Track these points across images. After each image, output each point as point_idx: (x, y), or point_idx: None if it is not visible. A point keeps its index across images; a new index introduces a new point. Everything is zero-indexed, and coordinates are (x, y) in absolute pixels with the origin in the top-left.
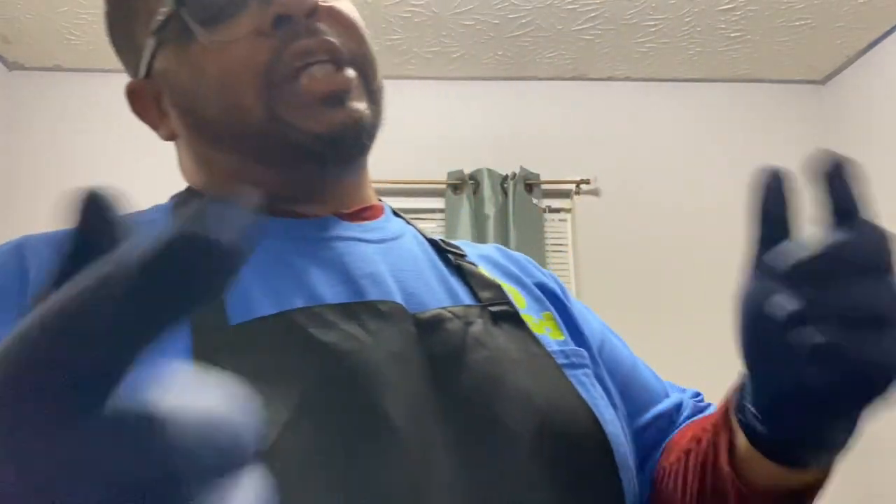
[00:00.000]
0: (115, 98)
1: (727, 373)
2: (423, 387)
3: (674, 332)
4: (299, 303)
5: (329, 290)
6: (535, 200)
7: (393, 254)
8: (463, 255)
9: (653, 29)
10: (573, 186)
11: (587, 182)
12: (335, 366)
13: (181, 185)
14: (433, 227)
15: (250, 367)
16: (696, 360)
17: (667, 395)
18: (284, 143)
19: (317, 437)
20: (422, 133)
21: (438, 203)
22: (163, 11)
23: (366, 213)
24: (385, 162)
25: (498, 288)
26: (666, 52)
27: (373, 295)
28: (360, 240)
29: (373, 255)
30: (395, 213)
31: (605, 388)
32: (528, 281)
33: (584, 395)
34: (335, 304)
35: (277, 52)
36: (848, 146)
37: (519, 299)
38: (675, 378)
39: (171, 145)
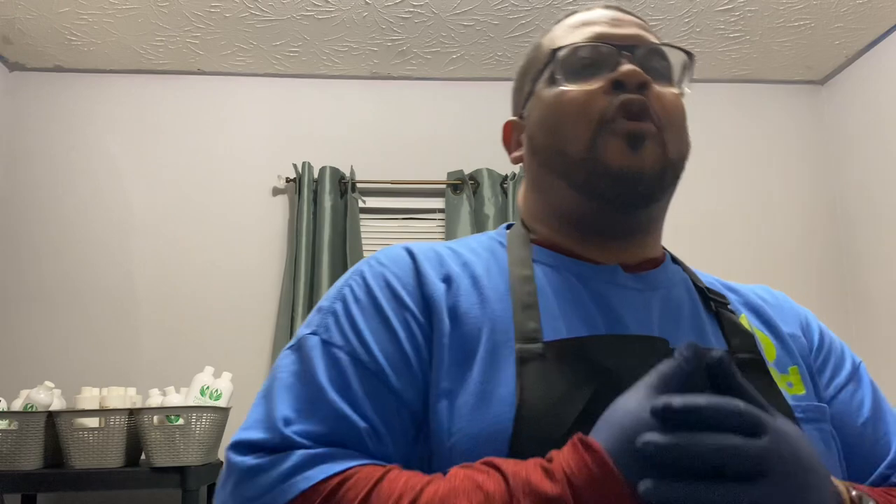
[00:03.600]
0: (116, 98)
1: None
2: None
3: None
4: (583, 332)
5: (605, 324)
6: None
7: (659, 302)
8: (725, 304)
9: (653, 29)
10: None
11: None
12: (610, 383)
13: (180, 185)
14: (433, 227)
15: (552, 371)
16: None
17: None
18: (593, 173)
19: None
20: (422, 133)
21: (438, 203)
22: (543, 62)
23: (647, 264)
24: (385, 162)
25: (750, 337)
26: None
27: (636, 332)
28: (634, 289)
29: (643, 303)
30: (674, 261)
31: (836, 444)
32: (784, 331)
33: (818, 448)
34: (618, 334)
35: (609, 104)
36: (847, 146)
37: (770, 350)
38: None
39: (169, 146)
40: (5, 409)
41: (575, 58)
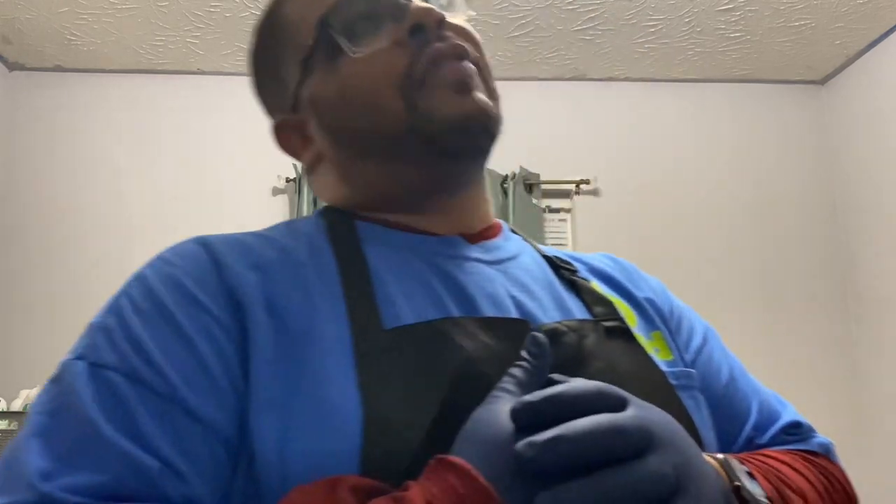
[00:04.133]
0: (115, 98)
1: None
2: None
3: None
4: (433, 314)
5: (455, 304)
6: (535, 200)
7: (510, 273)
8: (575, 271)
9: (653, 29)
10: (573, 186)
11: (587, 182)
12: (473, 370)
13: (180, 185)
14: None
15: (404, 366)
16: None
17: (748, 420)
18: (424, 134)
19: (457, 430)
20: None
21: None
22: (312, 37)
23: (487, 232)
24: None
25: (610, 304)
26: (666, 52)
27: (490, 312)
28: (481, 261)
29: (492, 276)
30: (513, 231)
31: (707, 410)
32: (639, 296)
33: (694, 416)
34: (476, 317)
35: (414, 57)
36: (847, 146)
37: (630, 317)
38: None
39: (169, 146)
40: (5, 409)
41: (351, 15)
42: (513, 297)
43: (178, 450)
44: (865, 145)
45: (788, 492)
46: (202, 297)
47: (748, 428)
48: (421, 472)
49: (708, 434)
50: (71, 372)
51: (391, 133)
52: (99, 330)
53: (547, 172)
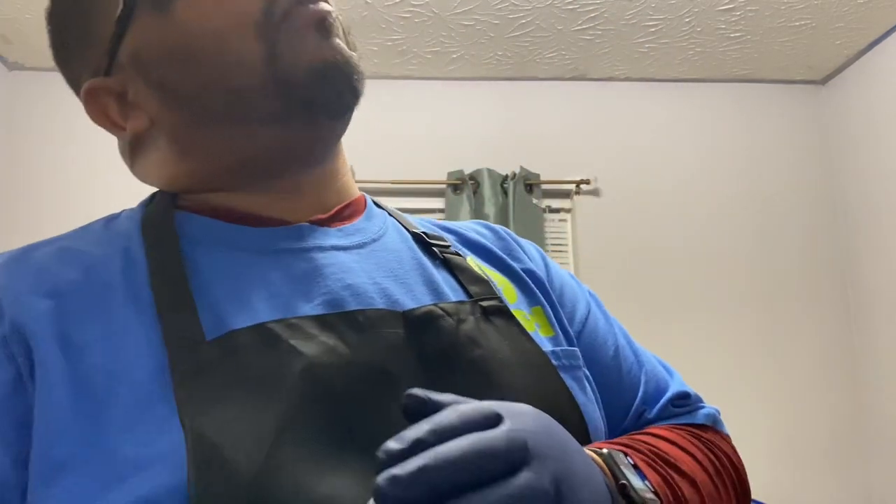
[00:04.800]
0: None
1: (726, 372)
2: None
3: (674, 331)
4: (275, 315)
5: (306, 304)
6: (535, 200)
7: (374, 258)
8: (448, 247)
9: (653, 29)
10: (573, 186)
11: (587, 182)
12: (315, 379)
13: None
14: None
15: (232, 380)
16: (695, 359)
17: (636, 392)
18: (284, 85)
19: (302, 448)
20: (422, 133)
21: (438, 203)
22: None
23: (346, 211)
24: (385, 162)
25: (487, 282)
26: (666, 52)
27: (352, 305)
28: (337, 248)
29: (351, 264)
30: (377, 205)
31: (593, 388)
32: (518, 268)
33: (577, 398)
34: (314, 315)
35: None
36: (848, 146)
37: (509, 292)
38: None
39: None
40: None
41: None
42: (377, 285)
43: None
44: (865, 145)
45: (678, 478)
46: None
47: (637, 401)
48: (262, 500)
49: (594, 415)
50: None
51: (245, 86)
52: None
53: (547, 172)
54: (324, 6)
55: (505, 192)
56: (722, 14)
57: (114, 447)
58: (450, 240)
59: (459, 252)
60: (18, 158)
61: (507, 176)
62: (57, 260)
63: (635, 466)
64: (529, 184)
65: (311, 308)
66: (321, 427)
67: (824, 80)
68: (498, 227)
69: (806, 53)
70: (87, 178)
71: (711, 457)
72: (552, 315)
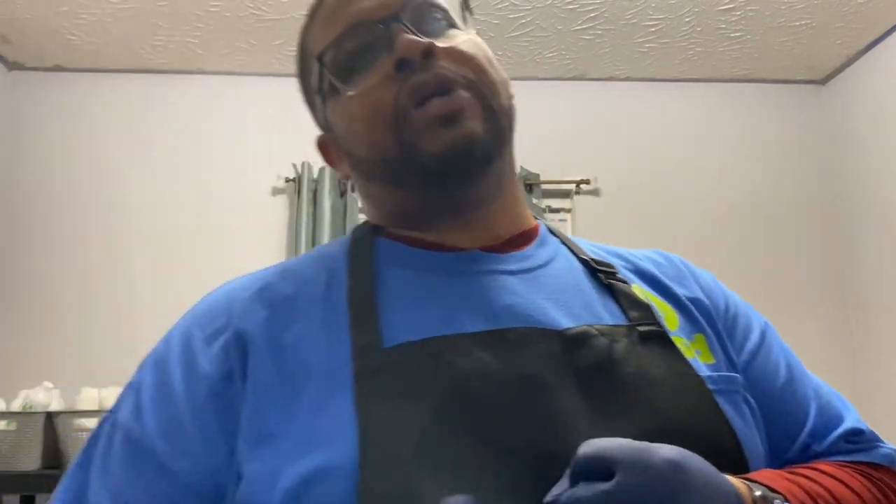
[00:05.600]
0: (115, 98)
1: None
2: (566, 399)
3: None
4: (442, 331)
5: (469, 321)
6: (535, 200)
7: (538, 282)
8: (614, 273)
9: (653, 29)
10: (573, 186)
11: (587, 182)
12: (464, 388)
13: (180, 185)
14: None
15: (396, 384)
16: None
17: (806, 425)
18: (412, 165)
19: (447, 440)
20: None
21: None
22: (318, 75)
23: (518, 240)
24: None
25: (648, 308)
26: (666, 52)
27: (509, 324)
28: (505, 272)
29: (515, 286)
30: (552, 232)
31: (755, 415)
32: (683, 295)
33: (732, 421)
34: (472, 332)
35: (401, 91)
36: (848, 146)
37: (671, 319)
38: None
39: (169, 146)
40: (4, 410)
41: (342, 56)
42: (537, 306)
43: (146, 497)
44: (865, 145)
45: None
46: (200, 356)
47: (804, 434)
48: (414, 484)
49: (752, 440)
50: (101, 427)
51: (388, 162)
52: (127, 387)
53: (547, 172)
54: (444, 104)
55: None
56: (722, 14)
57: (305, 425)
58: (618, 266)
59: (625, 279)
60: (19, 158)
61: None
62: (279, 278)
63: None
64: (529, 184)
65: (473, 325)
66: (466, 427)
67: (824, 80)
68: (674, 256)
69: (806, 53)
70: (87, 177)
71: (882, 499)
72: (715, 343)
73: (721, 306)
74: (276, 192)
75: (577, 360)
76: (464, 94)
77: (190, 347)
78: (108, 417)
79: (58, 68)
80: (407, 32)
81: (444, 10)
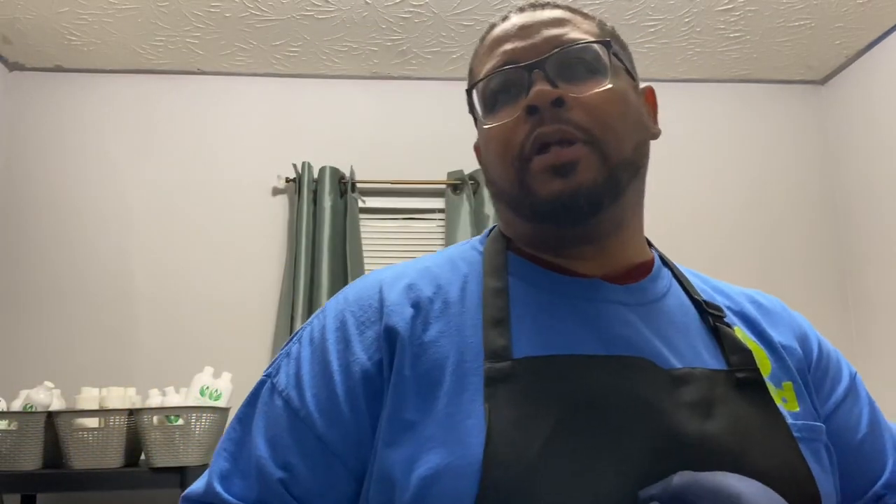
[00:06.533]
0: (115, 98)
1: None
2: (668, 428)
3: None
4: (565, 350)
5: (586, 342)
6: None
7: (650, 316)
8: (722, 317)
9: (652, 29)
10: None
11: None
12: (585, 402)
13: (180, 185)
14: (433, 227)
15: (524, 392)
16: None
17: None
18: (527, 204)
19: (564, 450)
20: (422, 133)
21: (438, 203)
22: (468, 102)
23: (635, 272)
24: (385, 162)
25: (748, 354)
26: (665, 52)
27: (622, 351)
28: (620, 303)
29: (630, 318)
30: (665, 263)
31: (832, 462)
32: (778, 342)
33: (813, 469)
34: (591, 354)
35: (528, 135)
36: (847, 146)
37: (765, 365)
38: None
39: (169, 146)
40: (5, 410)
41: (488, 91)
42: (647, 340)
43: (308, 466)
44: (865, 145)
45: None
46: (354, 340)
47: (879, 485)
48: (534, 485)
49: (827, 488)
50: (260, 388)
51: (508, 192)
52: (284, 355)
53: None
54: (562, 156)
55: None
56: (721, 14)
57: (442, 419)
58: (723, 306)
59: (730, 323)
60: (19, 158)
61: None
62: (421, 278)
63: None
64: None
65: (590, 347)
66: (581, 438)
67: (824, 80)
68: (774, 298)
69: (806, 53)
70: (87, 177)
71: None
72: (802, 391)
73: (814, 356)
74: (276, 192)
75: (681, 396)
76: (581, 150)
77: (345, 330)
78: (265, 380)
79: (58, 68)
80: (544, 80)
81: (589, 60)
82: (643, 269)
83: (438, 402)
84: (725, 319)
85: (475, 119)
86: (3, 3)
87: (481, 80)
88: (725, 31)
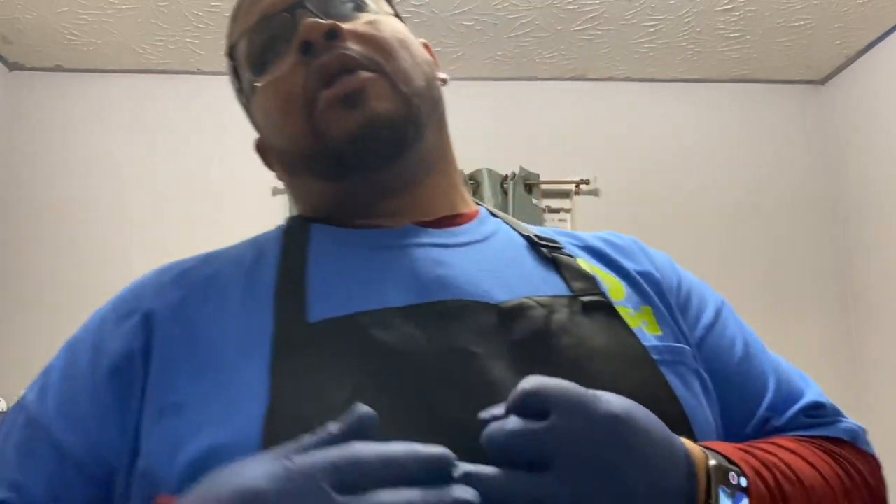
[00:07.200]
0: (115, 98)
1: None
2: (498, 372)
3: None
4: (369, 306)
5: (397, 294)
6: (534, 200)
7: (474, 255)
8: (559, 248)
9: (653, 29)
10: (573, 186)
11: (587, 182)
12: (387, 363)
13: (180, 185)
14: None
15: (317, 360)
16: None
17: (764, 399)
18: (326, 155)
19: None
20: None
21: None
22: (233, 71)
23: (457, 219)
24: None
25: (592, 279)
26: (666, 52)
27: (439, 296)
28: (437, 245)
29: (448, 259)
30: (494, 215)
31: (706, 388)
32: (631, 268)
33: (677, 391)
34: (397, 307)
35: (308, 76)
36: (847, 146)
37: (617, 290)
38: None
39: (169, 146)
40: (4, 410)
41: (252, 49)
42: (471, 279)
43: (35, 476)
44: (865, 145)
45: (792, 490)
46: (109, 336)
47: (763, 408)
48: None
49: (699, 412)
50: (12, 408)
51: (306, 153)
52: (42, 372)
53: (547, 172)
54: (347, 83)
55: (504, 192)
56: (721, 14)
57: (213, 396)
58: (564, 242)
59: (571, 253)
60: (18, 158)
61: (506, 176)
62: (202, 262)
63: (745, 490)
64: (529, 184)
65: (401, 299)
66: (387, 401)
67: (824, 80)
68: (628, 237)
69: (806, 53)
70: (87, 177)
71: (842, 474)
72: (665, 316)
73: (674, 283)
74: (276, 192)
75: (513, 333)
76: (367, 76)
77: (101, 330)
78: (18, 402)
79: (58, 68)
80: (312, 16)
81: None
82: (465, 218)
83: (211, 380)
84: (565, 251)
85: (242, 93)
86: (3, 3)
87: (242, 36)
88: (725, 31)
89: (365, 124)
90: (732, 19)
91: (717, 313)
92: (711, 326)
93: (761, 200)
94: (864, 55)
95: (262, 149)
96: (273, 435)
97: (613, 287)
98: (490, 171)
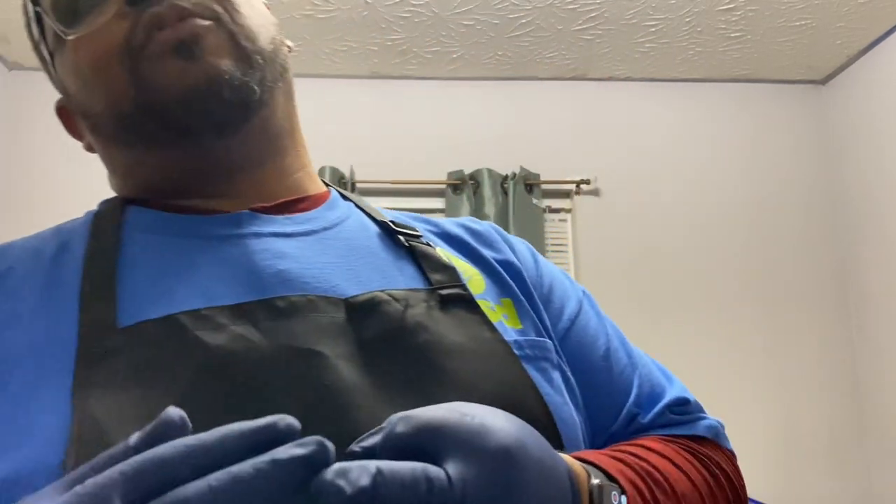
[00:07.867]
0: None
1: (725, 372)
2: (346, 374)
3: (673, 332)
4: (194, 305)
5: (228, 291)
6: (535, 200)
7: (321, 245)
8: (417, 236)
9: (653, 29)
10: (573, 186)
11: (587, 182)
12: (216, 368)
13: None
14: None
15: (132, 371)
16: (694, 359)
17: (628, 397)
18: (152, 112)
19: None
20: (422, 133)
21: (438, 203)
22: (36, 22)
23: (301, 203)
24: (385, 162)
25: (452, 270)
26: (666, 52)
27: (279, 292)
28: (278, 234)
29: (288, 250)
30: (345, 197)
31: (568, 384)
32: (491, 258)
33: (541, 388)
34: (227, 305)
35: (133, 27)
36: (847, 146)
37: (477, 282)
38: None
39: None
40: None
41: (60, 3)
42: (317, 271)
43: None
44: (866, 145)
45: (665, 501)
46: None
47: (629, 404)
48: None
49: (563, 409)
50: None
51: (122, 112)
52: None
53: (547, 172)
54: (183, 29)
55: (505, 192)
56: (722, 14)
57: (5, 420)
58: (422, 229)
59: (429, 242)
60: (18, 158)
61: (507, 176)
62: None
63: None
64: (529, 184)
65: (233, 296)
66: (216, 413)
67: (824, 80)
68: (486, 223)
69: (806, 53)
70: (87, 177)
71: (707, 475)
72: (527, 308)
73: (535, 274)
74: None
75: (363, 330)
76: (203, 24)
77: None
78: None
79: None
80: None
81: None
82: (312, 201)
83: (3, 401)
84: (423, 239)
85: (47, 54)
86: (3, 3)
87: None
88: (726, 31)
89: (201, 80)
90: (733, 19)
91: (579, 306)
92: (574, 319)
93: (762, 200)
94: (864, 55)
95: (65, 113)
96: (76, 461)
97: (473, 279)
98: (490, 171)
